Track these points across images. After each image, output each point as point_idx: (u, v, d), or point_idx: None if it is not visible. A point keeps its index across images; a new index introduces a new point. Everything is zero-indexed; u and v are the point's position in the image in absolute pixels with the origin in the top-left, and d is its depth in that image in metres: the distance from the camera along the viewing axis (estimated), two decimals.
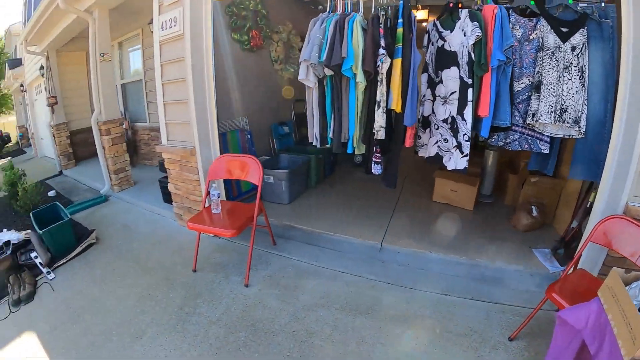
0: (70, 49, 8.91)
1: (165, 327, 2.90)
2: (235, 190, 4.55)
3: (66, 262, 4.32)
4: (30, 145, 16.36)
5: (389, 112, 3.05)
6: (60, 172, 9.26)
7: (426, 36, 3.13)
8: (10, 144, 22.10)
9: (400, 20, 2.87)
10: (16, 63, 13.92)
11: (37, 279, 4.07)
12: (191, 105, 3.71)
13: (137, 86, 7.71)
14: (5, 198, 7.65)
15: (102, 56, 5.68)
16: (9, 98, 26.50)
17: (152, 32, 6.08)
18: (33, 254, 4.44)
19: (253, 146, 4.90)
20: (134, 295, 3.38)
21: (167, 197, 5.06)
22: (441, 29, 2.97)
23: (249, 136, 4.85)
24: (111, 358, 2.70)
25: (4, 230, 5.48)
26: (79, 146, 9.38)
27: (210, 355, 2.55)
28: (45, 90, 9.26)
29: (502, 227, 3.66)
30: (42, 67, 8.99)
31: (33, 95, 12.46)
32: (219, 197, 3.41)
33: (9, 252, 4.29)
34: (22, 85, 13.61)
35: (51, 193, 7.39)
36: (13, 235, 4.99)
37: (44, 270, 4.15)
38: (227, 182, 4.25)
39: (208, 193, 3.56)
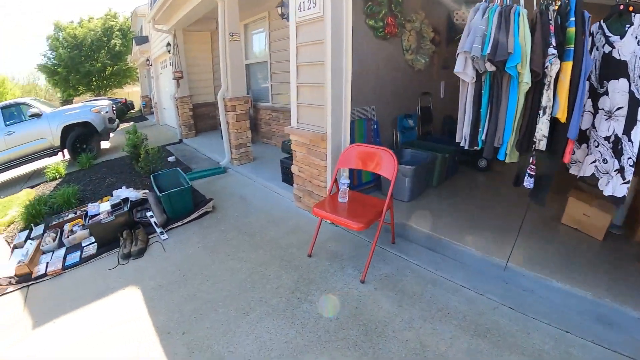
0: (196, 29, 9.51)
1: (275, 308, 2.84)
2: (356, 180, 4.42)
3: (181, 225, 4.53)
4: (152, 113, 18.07)
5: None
6: (181, 141, 10.00)
7: (589, 39, 2.74)
8: (133, 111, 24.52)
9: (572, 19, 2.51)
10: (143, 40, 15.24)
11: (149, 237, 4.32)
12: (327, 89, 3.64)
13: (261, 67, 7.95)
14: (126, 158, 8.36)
15: (232, 36, 5.87)
16: (134, 71, 29.12)
17: (280, 14, 6.17)
18: (149, 213, 4.72)
19: (378, 137, 4.73)
20: (245, 269, 3.41)
21: (287, 177, 5.14)
22: (609, 33, 2.56)
23: (375, 126, 4.69)
24: (214, 329, 2.70)
25: (124, 187, 5.91)
26: (199, 118, 10.10)
27: (317, 348, 2.45)
28: (171, 65, 9.93)
29: (629, 266, 3.11)
30: (168, 44, 9.64)
31: (158, 69, 13.40)
32: (347, 186, 3.30)
33: (126, 209, 4.59)
34: (148, 60, 14.79)
35: (171, 158, 7.99)
36: (132, 194, 5.37)
37: (158, 230, 4.40)
38: (349, 171, 4.13)
39: (335, 180, 3.48)
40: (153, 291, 3.25)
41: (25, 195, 7.55)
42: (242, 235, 4.08)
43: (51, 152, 9.33)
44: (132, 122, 16.54)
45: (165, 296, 3.16)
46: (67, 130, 9.23)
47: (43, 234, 4.95)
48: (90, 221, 4.39)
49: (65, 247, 4.50)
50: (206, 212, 4.78)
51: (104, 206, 4.82)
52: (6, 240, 5.21)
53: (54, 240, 4.60)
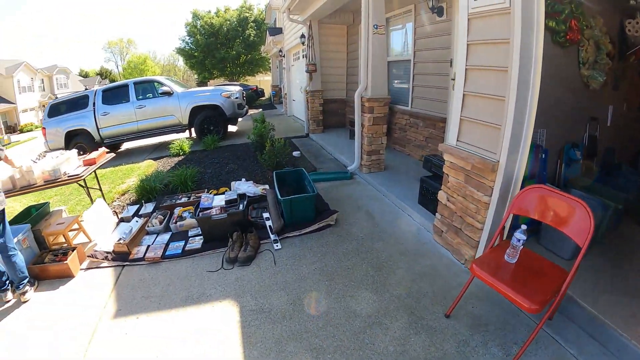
0: (332, 22, 9.06)
1: None
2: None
3: (297, 235, 4.05)
4: (281, 103, 18.58)
5: None
6: (307, 135, 9.76)
7: None
8: (262, 98, 25.59)
9: None
10: (276, 31, 15.82)
11: (261, 242, 3.90)
12: (510, 104, 2.75)
13: (401, 66, 7.13)
14: (251, 145, 8.20)
15: (376, 28, 5.21)
16: (267, 60, 30.66)
17: (430, 8, 5.40)
18: (265, 214, 4.31)
19: (545, 170, 3.69)
20: (365, 316, 2.76)
21: (425, 200, 4.35)
22: None
23: (543, 155, 3.66)
24: None
25: (243, 179, 5.57)
26: (328, 114, 9.72)
27: None
28: (304, 57, 9.70)
29: None
30: (302, 36, 9.45)
31: (290, 61, 13.44)
32: (522, 244, 2.41)
33: (241, 208, 4.21)
34: (280, 51, 15.05)
35: (296, 153, 7.60)
36: (250, 189, 4.98)
37: (272, 236, 3.95)
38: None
39: (503, 228, 2.62)
40: (252, 314, 2.83)
41: (146, 167, 7.77)
42: (366, 266, 3.41)
43: (179, 128, 9.73)
44: (260, 110, 17.02)
45: (265, 324, 2.71)
46: (196, 111, 9.51)
47: (152, 212, 4.84)
48: (201, 214, 4.13)
49: (170, 233, 4.32)
50: (328, 224, 4.22)
51: (218, 199, 4.53)
52: (115, 211, 5.21)
53: (161, 223, 4.45)
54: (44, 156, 4.59)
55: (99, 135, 9.45)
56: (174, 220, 4.44)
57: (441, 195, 3.61)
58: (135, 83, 9.64)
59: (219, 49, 31.36)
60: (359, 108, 5.53)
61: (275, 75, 22.56)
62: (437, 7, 5.37)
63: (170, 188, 5.72)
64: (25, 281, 3.32)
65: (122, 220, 4.83)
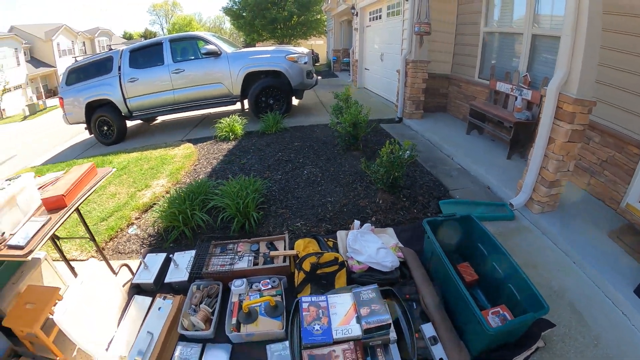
0: None
1: None
2: None
3: None
4: (344, 71, 16.27)
5: None
6: (400, 120, 7.17)
7: None
8: (318, 64, 22.19)
9: None
10: None
11: None
12: None
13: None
14: (337, 139, 5.56)
15: None
16: (321, 23, 27.86)
17: None
18: (427, 331, 2.21)
19: None
20: None
21: None
22: None
23: None
24: None
25: (356, 223, 3.17)
26: (427, 93, 6.88)
27: None
28: (390, 15, 7.39)
29: None
30: None
31: (365, 21, 11.24)
32: None
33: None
34: (353, 8, 12.66)
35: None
36: (382, 256, 2.73)
37: None
38: None
39: None
40: None
41: (183, 157, 5.66)
42: None
43: (228, 100, 7.49)
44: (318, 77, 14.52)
45: None
46: (251, 78, 7.20)
47: (189, 282, 2.73)
48: None
49: (229, 347, 2.24)
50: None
51: (342, 314, 2.12)
52: (126, 264, 3.06)
53: (207, 322, 2.34)
54: None
55: (126, 107, 7.33)
56: (233, 318, 2.33)
57: None
58: (171, 40, 7.37)
59: (269, 8, 28.57)
60: (551, 110, 3.14)
61: (337, 38, 19.36)
62: None
63: (221, 219, 3.53)
64: None
65: (138, 288, 2.80)
